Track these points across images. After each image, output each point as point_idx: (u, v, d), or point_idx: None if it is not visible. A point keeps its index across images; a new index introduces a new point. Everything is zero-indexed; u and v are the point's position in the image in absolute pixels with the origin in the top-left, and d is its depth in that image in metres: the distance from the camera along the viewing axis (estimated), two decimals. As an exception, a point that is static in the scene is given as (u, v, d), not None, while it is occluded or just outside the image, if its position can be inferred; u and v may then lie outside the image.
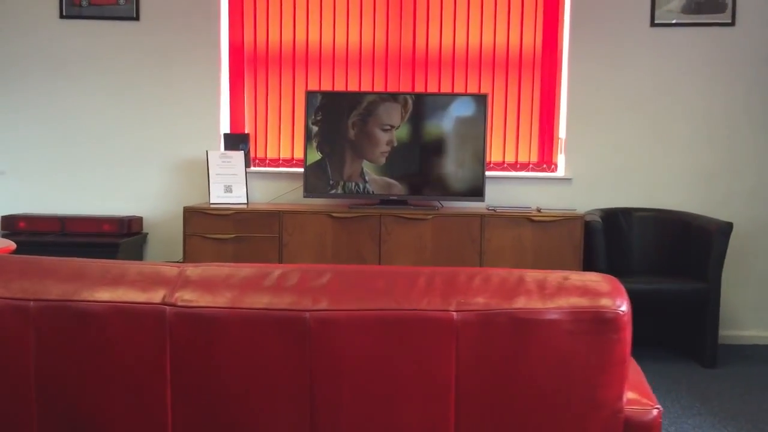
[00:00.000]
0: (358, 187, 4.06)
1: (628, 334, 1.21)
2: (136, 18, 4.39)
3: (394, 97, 4.05)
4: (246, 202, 4.18)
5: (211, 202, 4.12)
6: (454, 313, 1.20)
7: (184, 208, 3.92)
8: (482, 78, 4.37)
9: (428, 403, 1.22)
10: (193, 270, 1.27)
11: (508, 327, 1.20)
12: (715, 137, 4.27)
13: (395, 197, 4.06)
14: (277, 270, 1.29)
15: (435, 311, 1.21)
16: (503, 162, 4.39)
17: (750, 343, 4.28)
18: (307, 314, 1.20)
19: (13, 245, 2.74)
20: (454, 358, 1.21)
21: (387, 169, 4.05)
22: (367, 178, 4.05)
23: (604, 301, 1.20)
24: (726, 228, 3.72)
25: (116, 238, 4.09)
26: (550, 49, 4.36)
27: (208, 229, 3.89)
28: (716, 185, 4.28)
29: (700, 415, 3.05)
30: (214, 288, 1.23)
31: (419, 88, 4.36)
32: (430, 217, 3.84)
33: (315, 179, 4.08)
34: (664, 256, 4.12)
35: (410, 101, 4.04)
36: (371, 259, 3.83)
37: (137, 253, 4.31)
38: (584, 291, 1.22)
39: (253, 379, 1.21)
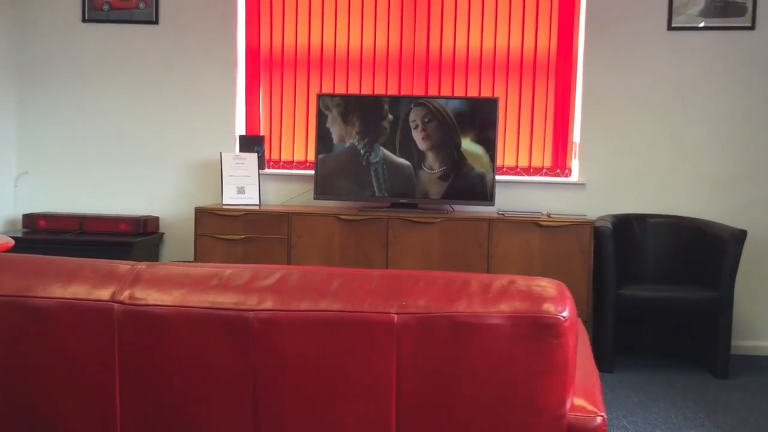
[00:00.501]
0: (368, 189, 4.07)
1: (570, 340, 1.20)
2: (156, 22, 4.48)
3: (405, 100, 4.06)
4: (258, 203, 4.23)
5: (223, 203, 4.18)
6: (395, 316, 1.21)
7: (195, 208, 3.98)
8: (496, 81, 4.35)
9: (370, 404, 1.23)
10: (145, 268, 1.30)
11: (448, 331, 1.20)
12: (733, 143, 4.19)
13: (405, 200, 4.07)
14: (228, 269, 1.31)
15: (376, 313, 1.22)
16: (516, 166, 4.37)
17: (767, 354, 4.18)
18: (251, 314, 1.22)
19: (10, 242, 2.81)
20: (395, 361, 1.21)
21: (397, 172, 4.06)
22: (376, 180, 4.06)
23: (546, 306, 1.20)
24: (739, 235, 3.65)
25: (130, 237, 4.17)
26: (564, 53, 4.33)
27: (218, 229, 3.95)
28: (734, 192, 4.19)
29: (702, 426, 2.99)
30: (162, 286, 1.26)
31: (432, 92, 4.36)
32: (438, 220, 3.83)
33: (325, 181, 4.11)
34: (678, 264, 4.06)
35: (422, 104, 4.04)
36: (378, 262, 3.84)
37: (153, 253, 4.39)
38: (527, 296, 1.21)
39: (199, 376, 1.24)
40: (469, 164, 4.03)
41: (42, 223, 4.32)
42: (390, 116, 4.06)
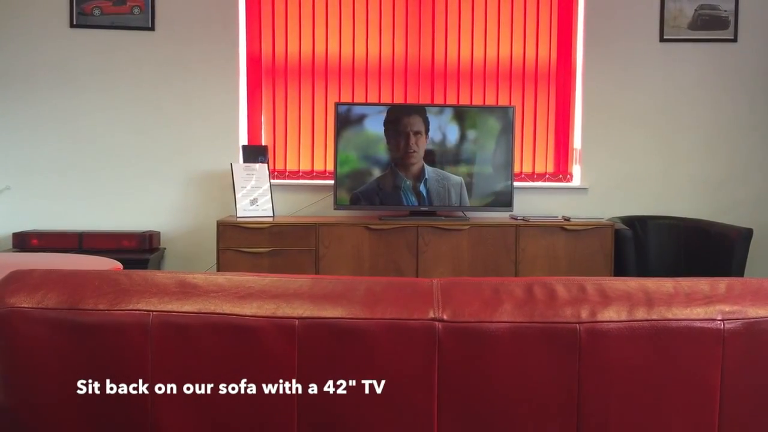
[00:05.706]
0: (389, 198, 4.06)
1: None
2: (152, 28, 4.28)
3: (421, 108, 4.08)
4: (272, 214, 4.13)
5: (237, 215, 4.05)
6: (721, 323, 1.24)
7: (217, 222, 3.84)
8: (500, 91, 4.45)
9: (693, 413, 1.25)
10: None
11: (771, 335, 1.24)
12: (719, 148, 4.47)
13: (425, 208, 4.09)
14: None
15: (701, 320, 1.24)
16: (520, 172, 4.48)
17: None
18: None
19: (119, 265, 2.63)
20: (720, 368, 1.25)
21: (416, 180, 4.08)
22: (395, 189, 4.06)
23: None
24: (747, 234, 3.91)
25: (142, 254, 3.97)
26: (564, 64, 4.48)
27: (241, 242, 3.82)
28: (721, 193, 4.48)
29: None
30: None
31: (438, 100, 4.41)
32: (467, 227, 3.88)
33: (344, 191, 4.06)
34: (680, 264, 4.29)
35: (438, 112, 4.08)
36: (409, 270, 3.84)
37: (157, 269, 4.19)
38: None
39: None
40: (486, 171, 4.10)
41: (35, 241, 4.04)
42: (406, 124, 4.07)
